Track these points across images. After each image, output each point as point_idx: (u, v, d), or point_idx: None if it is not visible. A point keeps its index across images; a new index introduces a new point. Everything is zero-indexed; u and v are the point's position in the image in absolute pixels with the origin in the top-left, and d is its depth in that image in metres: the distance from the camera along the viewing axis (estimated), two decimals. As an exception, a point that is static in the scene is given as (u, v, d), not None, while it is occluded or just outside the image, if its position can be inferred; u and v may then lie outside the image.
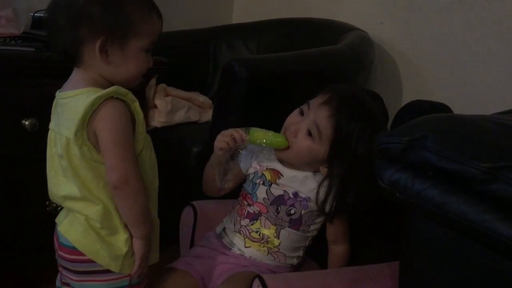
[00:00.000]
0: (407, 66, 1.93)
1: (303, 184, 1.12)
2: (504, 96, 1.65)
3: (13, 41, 1.37)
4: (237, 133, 1.09)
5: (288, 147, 1.10)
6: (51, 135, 0.95)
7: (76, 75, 0.94)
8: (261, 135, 1.09)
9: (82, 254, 0.94)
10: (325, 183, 1.10)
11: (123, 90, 0.89)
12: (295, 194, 1.12)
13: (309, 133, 1.08)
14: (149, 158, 0.97)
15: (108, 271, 0.95)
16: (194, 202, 1.30)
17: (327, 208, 1.10)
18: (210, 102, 1.89)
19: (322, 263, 1.20)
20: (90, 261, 0.94)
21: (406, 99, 1.86)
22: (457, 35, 1.76)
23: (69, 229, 0.95)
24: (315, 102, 1.09)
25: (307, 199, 1.12)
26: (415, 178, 0.75)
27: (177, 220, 1.33)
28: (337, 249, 1.17)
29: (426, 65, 1.87)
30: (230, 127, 1.16)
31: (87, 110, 0.85)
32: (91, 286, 0.96)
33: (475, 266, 0.72)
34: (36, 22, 1.52)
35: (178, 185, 1.63)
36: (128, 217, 0.93)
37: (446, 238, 0.75)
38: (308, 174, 1.12)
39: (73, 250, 0.94)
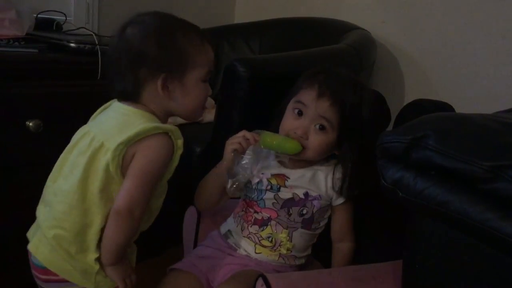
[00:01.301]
0: (409, 65, 1.93)
1: (313, 181, 1.12)
2: (507, 95, 1.64)
3: (16, 43, 1.37)
4: (250, 134, 1.09)
5: (301, 151, 1.09)
6: (85, 131, 0.96)
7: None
8: (273, 138, 1.08)
9: (55, 274, 0.92)
10: (339, 167, 1.12)
11: (178, 130, 0.92)
12: (306, 194, 1.12)
13: (320, 128, 1.09)
14: (165, 183, 0.99)
15: None
16: (197, 202, 1.30)
17: (344, 192, 1.11)
18: (213, 102, 1.89)
19: (326, 263, 1.20)
20: (64, 281, 0.92)
21: (408, 98, 1.86)
22: (460, 34, 1.76)
23: (38, 247, 0.94)
24: (309, 97, 1.10)
25: (318, 197, 1.12)
26: (417, 177, 0.76)
27: (181, 220, 1.33)
28: (342, 247, 1.17)
29: (429, 64, 1.86)
30: (233, 127, 1.17)
31: (141, 132, 0.87)
32: None
33: (477, 264, 0.72)
34: (40, 24, 1.53)
35: (181, 185, 1.63)
36: (109, 243, 0.91)
37: (448, 237, 0.75)
38: (316, 168, 1.13)
39: (45, 269, 0.93)
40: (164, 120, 0.96)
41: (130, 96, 0.94)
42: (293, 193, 1.12)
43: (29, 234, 0.98)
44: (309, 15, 2.13)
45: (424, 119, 0.79)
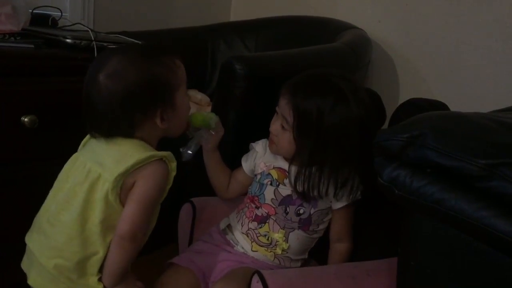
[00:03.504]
0: (405, 64, 1.93)
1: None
2: (501, 95, 1.65)
3: (12, 38, 1.36)
4: None
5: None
6: (80, 161, 0.98)
7: None
8: (198, 117, 1.12)
9: None
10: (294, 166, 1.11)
11: (172, 155, 0.95)
12: None
13: (282, 126, 1.11)
14: (155, 218, 1.02)
15: None
16: (193, 199, 1.30)
17: (299, 187, 1.10)
18: (208, 99, 1.90)
19: (322, 262, 1.20)
20: None
21: (404, 97, 1.87)
22: (455, 34, 1.76)
23: (38, 281, 0.95)
24: (280, 98, 1.12)
25: (316, 197, 1.12)
26: (414, 175, 0.76)
27: (176, 217, 1.33)
28: (340, 247, 1.17)
29: (424, 63, 1.87)
30: (230, 125, 1.18)
31: (138, 162, 0.90)
32: None
33: (472, 261, 0.72)
34: (35, 19, 1.52)
35: (176, 182, 1.63)
36: (113, 267, 0.93)
37: (444, 235, 0.75)
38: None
39: None
40: (155, 144, 0.99)
41: (122, 135, 0.95)
42: (292, 191, 1.12)
43: (24, 266, 0.99)
44: (305, 14, 2.14)
45: (420, 117, 0.80)
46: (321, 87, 1.08)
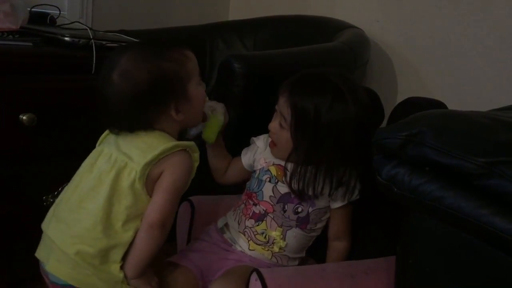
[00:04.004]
0: (403, 63, 1.94)
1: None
2: (500, 94, 1.66)
3: (10, 36, 1.36)
4: None
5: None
6: (103, 153, 0.99)
7: None
8: (211, 132, 1.16)
9: None
10: (290, 164, 1.11)
11: (195, 146, 0.98)
12: None
13: (280, 124, 1.11)
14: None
15: None
16: (191, 198, 1.30)
17: (295, 185, 1.09)
18: (207, 98, 1.89)
19: (320, 260, 1.20)
20: None
21: (402, 96, 1.87)
22: (453, 33, 1.77)
23: (58, 267, 0.95)
24: (279, 97, 1.12)
25: (311, 196, 1.12)
26: (412, 173, 0.76)
27: (175, 216, 1.33)
28: (338, 246, 1.17)
29: (422, 62, 1.87)
30: (228, 123, 1.18)
31: (164, 151, 0.93)
32: None
33: (470, 260, 0.73)
34: (33, 17, 1.52)
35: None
36: (140, 256, 0.95)
37: (443, 233, 0.76)
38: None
39: (68, 286, 0.94)
40: (175, 136, 1.01)
41: (143, 129, 0.97)
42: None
43: (41, 256, 0.99)
44: (303, 13, 2.14)
45: (419, 115, 0.80)
46: (319, 86, 1.08)
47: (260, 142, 1.20)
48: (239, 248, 1.15)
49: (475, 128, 0.74)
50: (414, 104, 1.20)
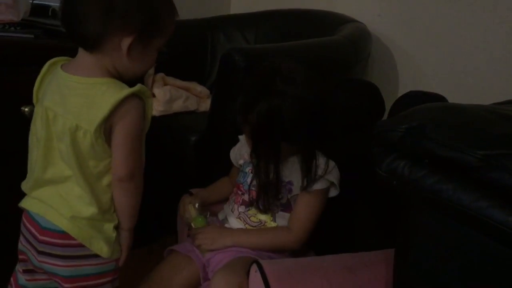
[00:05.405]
0: (404, 58, 1.93)
1: (286, 168, 1.14)
2: (500, 88, 1.66)
3: (12, 28, 1.36)
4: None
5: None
6: (48, 114, 0.92)
7: (86, 60, 0.92)
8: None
9: (73, 238, 0.93)
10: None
11: (145, 88, 0.91)
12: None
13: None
14: (143, 149, 0.99)
15: (97, 255, 0.95)
16: (192, 190, 1.31)
17: (261, 179, 1.12)
18: (208, 91, 1.90)
19: (319, 252, 1.21)
20: (81, 245, 0.94)
21: (403, 90, 1.87)
22: (454, 28, 1.76)
23: (55, 214, 0.94)
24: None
25: (291, 183, 1.14)
26: (412, 166, 0.76)
27: (176, 208, 1.34)
28: (283, 231, 1.15)
29: (423, 57, 1.87)
30: (229, 116, 1.19)
31: (113, 106, 0.86)
32: (80, 271, 0.96)
33: (470, 253, 0.73)
34: (35, 10, 1.52)
35: (176, 173, 1.64)
36: (123, 209, 0.95)
37: (442, 226, 0.76)
38: (291, 159, 1.14)
39: (63, 234, 0.93)
40: (118, 77, 0.93)
41: (89, 45, 0.90)
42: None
43: (29, 205, 0.98)
44: (304, 7, 2.13)
45: (419, 108, 0.80)
46: (255, 100, 1.07)
47: (242, 137, 1.23)
48: None
49: (475, 121, 0.74)
50: (415, 98, 1.20)
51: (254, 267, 0.97)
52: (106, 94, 0.88)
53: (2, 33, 1.33)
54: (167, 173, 1.63)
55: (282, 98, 1.03)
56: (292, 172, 1.14)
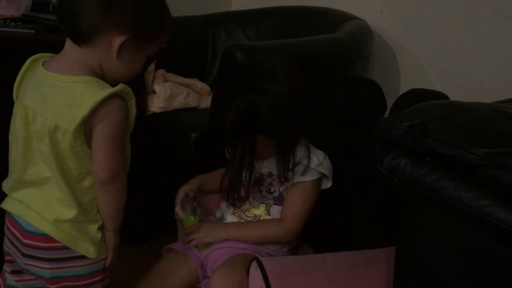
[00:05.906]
0: (406, 55, 1.93)
1: (275, 162, 1.13)
2: (502, 87, 1.66)
3: (13, 23, 1.36)
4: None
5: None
6: (27, 113, 0.90)
7: (72, 55, 0.90)
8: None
9: (58, 241, 0.92)
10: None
11: (128, 88, 0.88)
12: (270, 174, 1.15)
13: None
14: (128, 149, 0.97)
15: (83, 257, 0.94)
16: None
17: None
18: (209, 88, 1.90)
19: (318, 248, 1.21)
20: (66, 248, 0.92)
21: (404, 88, 1.87)
22: (456, 26, 1.76)
23: (37, 218, 0.92)
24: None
25: (270, 174, 1.15)
26: (413, 164, 0.76)
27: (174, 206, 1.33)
28: (275, 223, 1.15)
29: (425, 55, 1.87)
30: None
31: (94, 107, 0.83)
32: (65, 272, 0.94)
33: (471, 250, 0.73)
34: (36, 5, 1.52)
35: (176, 170, 1.64)
36: (107, 211, 0.94)
37: (443, 224, 0.76)
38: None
39: (47, 237, 0.91)
40: (102, 77, 0.90)
41: (81, 37, 0.87)
42: (260, 172, 1.15)
43: (11, 207, 0.96)
44: (306, 4, 2.13)
45: (420, 106, 0.80)
46: (233, 98, 1.06)
47: None
48: None
49: (476, 119, 0.74)
50: (416, 96, 1.20)
51: (254, 264, 0.97)
52: (86, 94, 0.85)
53: (3, 28, 1.33)
54: (167, 170, 1.63)
55: (260, 94, 1.02)
56: (271, 164, 1.14)
